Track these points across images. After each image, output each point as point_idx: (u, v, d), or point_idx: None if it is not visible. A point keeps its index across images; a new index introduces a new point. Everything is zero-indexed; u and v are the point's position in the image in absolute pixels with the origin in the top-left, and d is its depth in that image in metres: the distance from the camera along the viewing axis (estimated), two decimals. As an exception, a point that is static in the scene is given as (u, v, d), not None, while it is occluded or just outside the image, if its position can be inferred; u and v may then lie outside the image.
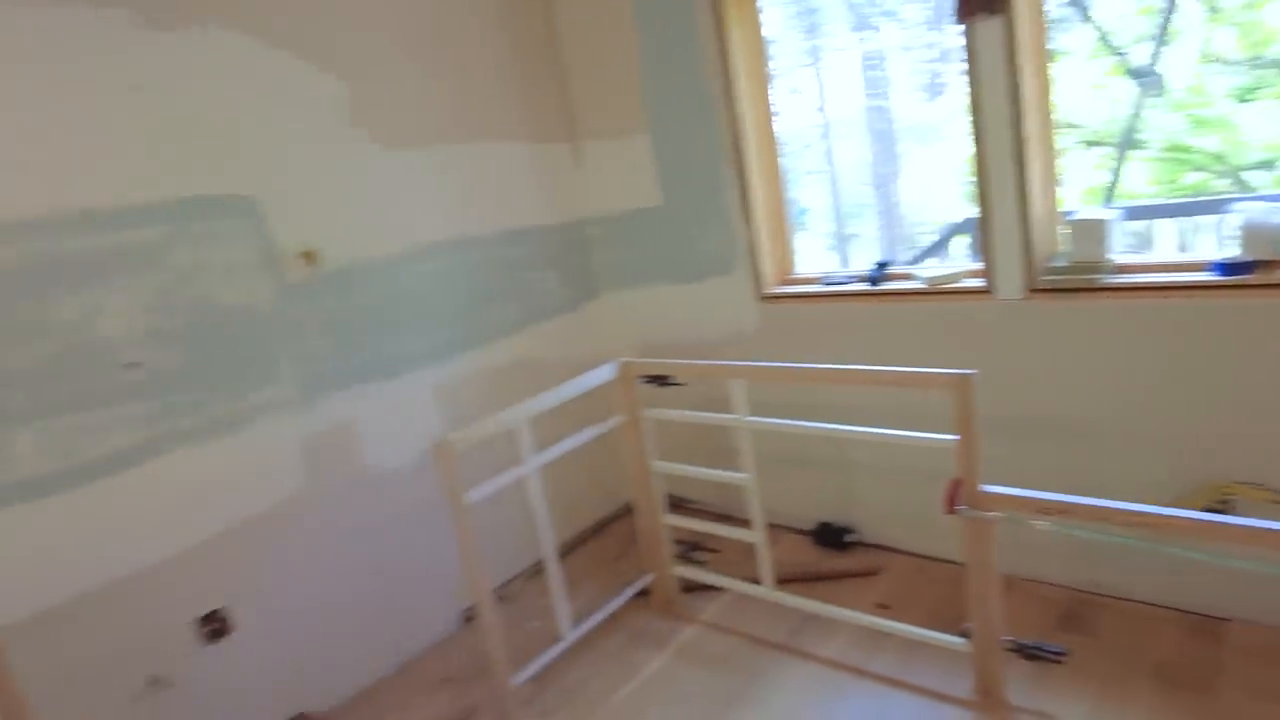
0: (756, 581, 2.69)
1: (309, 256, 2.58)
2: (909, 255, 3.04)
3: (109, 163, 2.20)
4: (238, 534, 2.46)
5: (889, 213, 3.41)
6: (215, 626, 2.42)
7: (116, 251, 2.21)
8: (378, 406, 2.80)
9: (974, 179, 2.41)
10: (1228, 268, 2.12)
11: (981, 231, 2.47)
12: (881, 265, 2.78)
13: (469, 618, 3.08)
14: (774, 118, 3.01)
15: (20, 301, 2.05)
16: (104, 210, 2.18)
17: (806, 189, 3.43)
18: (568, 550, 3.48)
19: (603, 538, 3.60)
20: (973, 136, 2.40)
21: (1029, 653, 2.10)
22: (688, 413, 2.73)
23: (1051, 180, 2.45)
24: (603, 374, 2.69)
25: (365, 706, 2.68)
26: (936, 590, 2.73)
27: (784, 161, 3.14)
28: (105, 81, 2.19)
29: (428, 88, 2.96)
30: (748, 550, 2.77)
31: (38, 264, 2.08)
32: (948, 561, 2.81)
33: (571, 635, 2.66)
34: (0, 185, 2.02)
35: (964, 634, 2.18)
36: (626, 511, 3.69)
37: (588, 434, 2.71)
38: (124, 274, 2.22)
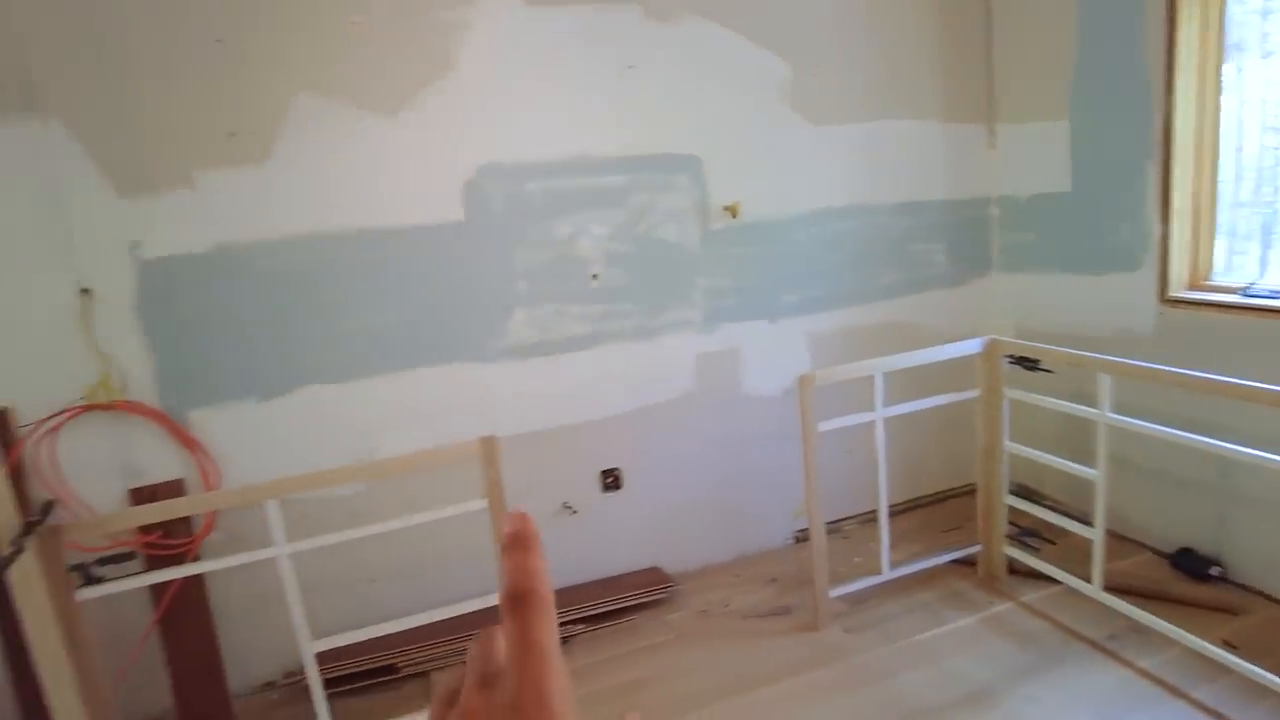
0: (1087, 580, 2.67)
1: (732, 210, 3.15)
2: None
3: (601, 123, 2.96)
4: (640, 415, 3.18)
5: None
6: (611, 480, 3.18)
7: (598, 190, 2.97)
8: (759, 340, 3.32)
9: None
10: None
11: None
12: (1319, 284, 2.47)
13: (799, 539, 3.52)
14: (1220, 112, 2.77)
15: (540, 220, 2.92)
16: (594, 159, 2.95)
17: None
18: (905, 509, 3.70)
19: (940, 509, 3.74)
20: None
21: (1395, 733, 1.86)
22: (1048, 399, 2.76)
23: None
24: (969, 346, 2.84)
25: (702, 578, 3.29)
26: (1307, 650, 2.44)
27: (1263, 160, 2.81)
28: (611, 61, 2.93)
29: (856, 70, 3.31)
30: (1088, 551, 2.74)
31: (552, 195, 2.92)
32: (1335, 626, 2.48)
33: (890, 574, 2.93)
34: (539, 137, 2.87)
35: (1314, 690, 2.00)
36: (969, 491, 3.75)
37: (942, 398, 2.89)
38: (601, 208, 2.99)
